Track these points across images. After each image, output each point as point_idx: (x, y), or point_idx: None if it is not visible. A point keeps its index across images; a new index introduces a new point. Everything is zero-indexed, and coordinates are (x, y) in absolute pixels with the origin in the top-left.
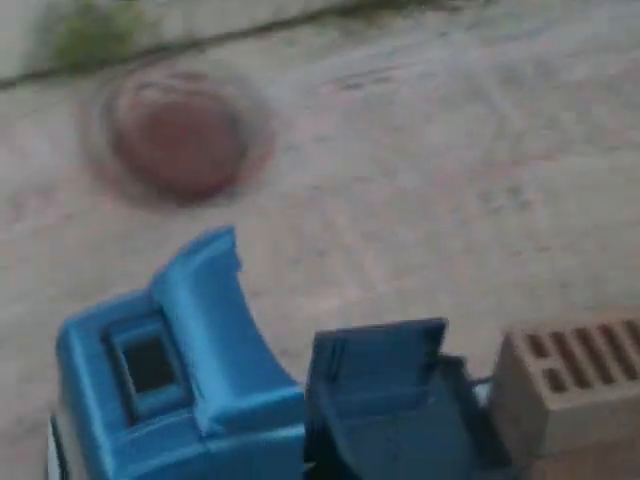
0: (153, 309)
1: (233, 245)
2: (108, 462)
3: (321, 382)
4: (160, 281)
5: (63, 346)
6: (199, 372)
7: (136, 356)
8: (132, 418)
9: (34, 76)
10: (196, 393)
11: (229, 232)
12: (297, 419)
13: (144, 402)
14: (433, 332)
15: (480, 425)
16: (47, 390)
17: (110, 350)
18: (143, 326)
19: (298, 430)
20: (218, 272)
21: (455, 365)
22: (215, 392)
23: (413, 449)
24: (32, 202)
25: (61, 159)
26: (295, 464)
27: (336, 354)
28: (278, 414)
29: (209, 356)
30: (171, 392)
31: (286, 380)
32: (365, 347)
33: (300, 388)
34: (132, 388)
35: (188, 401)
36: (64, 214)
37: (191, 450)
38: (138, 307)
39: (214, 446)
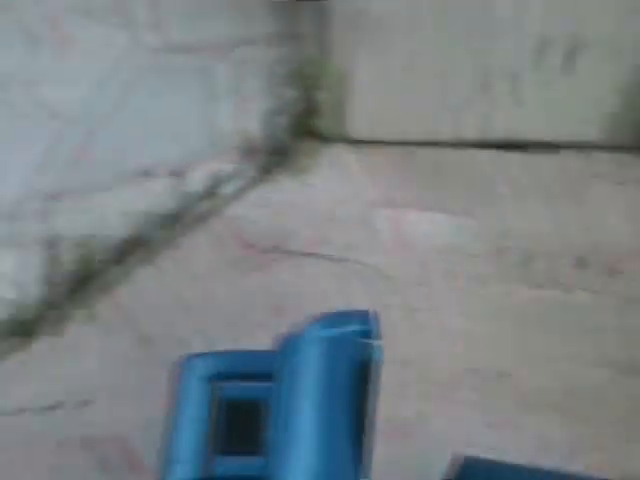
0: (273, 371)
1: (375, 334)
2: None
3: None
4: (287, 345)
5: (178, 377)
6: (286, 455)
7: (236, 414)
8: (208, 477)
9: (615, 142)
10: (272, 476)
11: (373, 317)
12: None
13: (224, 465)
14: None
15: None
16: None
17: (215, 398)
18: (255, 386)
19: None
20: (349, 355)
21: None
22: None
23: None
24: (597, 266)
25: (633, 231)
26: None
27: None
28: None
29: (302, 443)
30: (254, 464)
31: None
32: None
33: None
34: (219, 446)
35: (265, 478)
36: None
37: None
38: (260, 365)
39: None
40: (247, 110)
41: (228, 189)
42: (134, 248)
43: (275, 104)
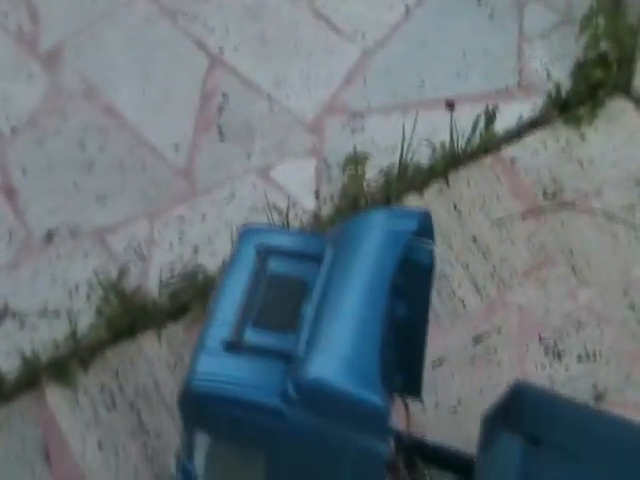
0: (319, 254)
1: (431, 236)
2: (199, 363)
3: (516, 437)
4: (336, 231)
5: (234, 245)
6: (314, 335)
7: (276, 289)
8: (237, 342)
9: None
10: (300, 351)
11: (423, 215)
12: (380, 435)
13: (254, 335)
14: None
15: None
16: None
17: (259, 270)
18: (299, 265)
19: (380, 447)
20: (388, 249)
21: None
22: (312, 362)
23: None
24: None
25: None
26: None
27: (541, 415)
28: (359, 418)
29: (332, 326)
30: (285, 339)
31: (375, 389)
32: (580, 427)
33: (384, 405)
34: (253, 316)
35: (292, 355)
36: None
37: (268, 400)
38: (310, 247)
39: (289, 411)
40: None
41: (504, 129)
42: (402, 173)
43: (560, 49)
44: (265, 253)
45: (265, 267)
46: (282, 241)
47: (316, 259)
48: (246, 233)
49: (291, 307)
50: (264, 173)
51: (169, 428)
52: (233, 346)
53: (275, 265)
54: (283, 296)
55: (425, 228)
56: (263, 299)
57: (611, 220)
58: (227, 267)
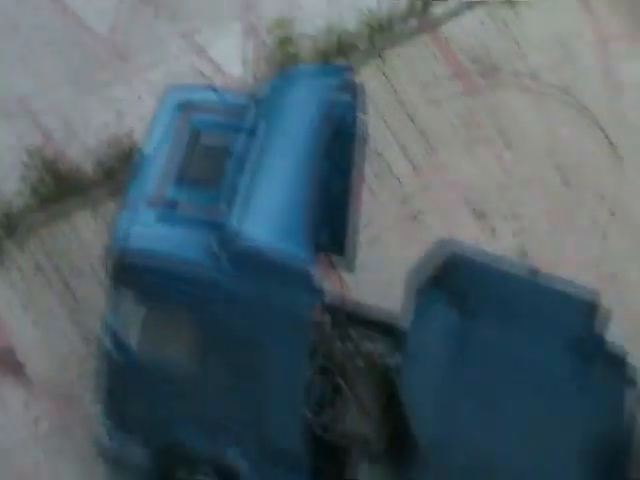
0: (244, 111)
1: (339, 82)
2: (132, 237)
3: (448, 302)
4: (262, 88)
5: (157, 104)
6: (240, 195)
7: (199, 146)
8: (164, 199)
9: None
10: (225, 212)
11: (346, 69)
12: (307, 289)
13: (178, 192)
14: (585, 308)
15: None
16: None
17: (183, 128)
18: (223, 122)
19: (306, 300)
20: (314, 105)
21: (616, 361)
22: (239, 221)
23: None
24: None
25: None
26: (300, 339)
27: (472, 283)
28: (287, 274)
29: (258, 187)
30: (207, 196)
31: (301, 245)
32: (507, 291)
33: (310, 258)
34: (176, 173)
35: (217, 215)
36: None
37: (200, 268)
38: (234, 104)
39: (219, 273)
40: None
41: (442, 6)
42: (340, 50)
43: None
44: (188, 110)
45: (188, 125)
46: (206, 99)
47: (241, 115)
48: (170, 92)
49: (214, 163)
50: (190, 38)
51: (97, 294)
52: (156, 203)
53: (198, 123)
54: (206, 153)
55: (350, 84)
56: (185, 156)
57: (536, 81)
58: (150, 125)
